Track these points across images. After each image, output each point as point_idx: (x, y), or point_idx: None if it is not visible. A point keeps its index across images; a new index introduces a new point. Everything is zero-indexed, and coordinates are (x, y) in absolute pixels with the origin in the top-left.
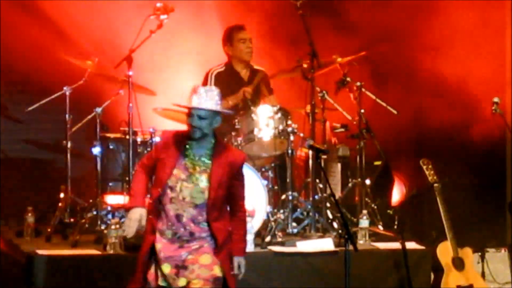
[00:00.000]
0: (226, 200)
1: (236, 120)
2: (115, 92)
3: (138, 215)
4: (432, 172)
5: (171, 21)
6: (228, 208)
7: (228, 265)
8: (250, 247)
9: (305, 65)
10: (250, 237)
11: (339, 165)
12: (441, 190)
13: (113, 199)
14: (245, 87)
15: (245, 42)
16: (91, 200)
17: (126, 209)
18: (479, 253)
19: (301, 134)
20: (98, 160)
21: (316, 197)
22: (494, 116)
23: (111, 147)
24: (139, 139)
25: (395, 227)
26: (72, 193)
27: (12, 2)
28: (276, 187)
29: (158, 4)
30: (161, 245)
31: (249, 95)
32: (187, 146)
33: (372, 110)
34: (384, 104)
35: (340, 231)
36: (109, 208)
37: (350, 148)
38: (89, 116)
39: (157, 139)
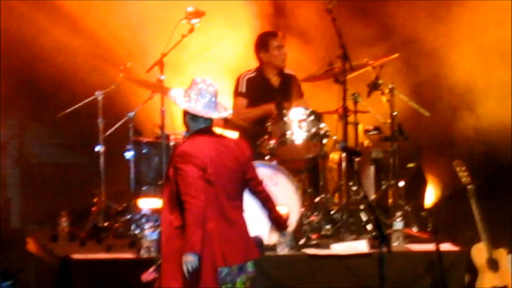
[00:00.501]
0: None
1: (269, 124)
2: (147, 97)
3: None
4: (465, 173)
5: (202, 24)
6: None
7: (169, 263)
8: (284, 250)
9: (336, 68)
10: (284, 240)
11: (372, 167)
12: (475, 192)
13: (147, 203)
14: (276, 95)
15: (280, 49)
16: (124, 204)
17: None
18: None
19: (334, 137)
20: (132, 164)
21: (350, 199)
22: None
23: (144, 151)
24: (172, 143)
25: (429, 229)
26: (106, 197)
27: (42, 8)
28: (309, 190)
29: (189, 9)
30: None
31: (274, 114)
32: None
33: (404, 112)
34: (416, 106)
35: (374, 233)
36: (143, 212)
37: (383, 151)
38: (122, 121)
39: None
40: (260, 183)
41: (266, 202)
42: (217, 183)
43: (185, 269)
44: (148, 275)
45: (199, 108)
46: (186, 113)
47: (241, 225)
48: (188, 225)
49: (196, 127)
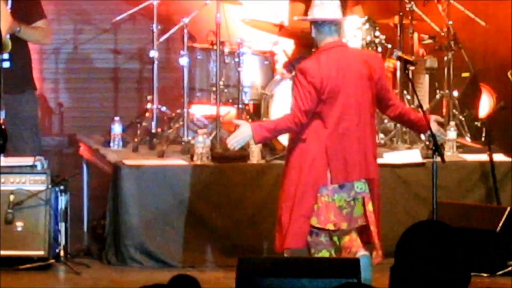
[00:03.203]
0: None
1: None
2: (202, 3)
3: None
4: None
5: None
6: None
7: None
8: None
9: None
10: None
11: (426, 76)
12: None
13: (200, 110)
14: None
15: None
16: (178, 111)
17: None
18: None
19: (389, 45)
20: (185, 70)
21: None
22: None
23: (198, 57)
24: (226, 50)
25: (483, 138)
26: (159, 103)
27: None
28: None
29: None
30: None
31: None
32: None
33: (460, 22)
34: (472, 16)
35: (427, 143)
36: (195, 119)
37: (438, 60)
38: (177, 26)
39: (244, 49)
40: (395, 105)
41: (403, 118)
42: (333, 100)
43: (234, 137)
44: None
45: (318, 15)
46: (311, 27)
47: (356, 144)
48: (278, 124)
49: (320, 39)
